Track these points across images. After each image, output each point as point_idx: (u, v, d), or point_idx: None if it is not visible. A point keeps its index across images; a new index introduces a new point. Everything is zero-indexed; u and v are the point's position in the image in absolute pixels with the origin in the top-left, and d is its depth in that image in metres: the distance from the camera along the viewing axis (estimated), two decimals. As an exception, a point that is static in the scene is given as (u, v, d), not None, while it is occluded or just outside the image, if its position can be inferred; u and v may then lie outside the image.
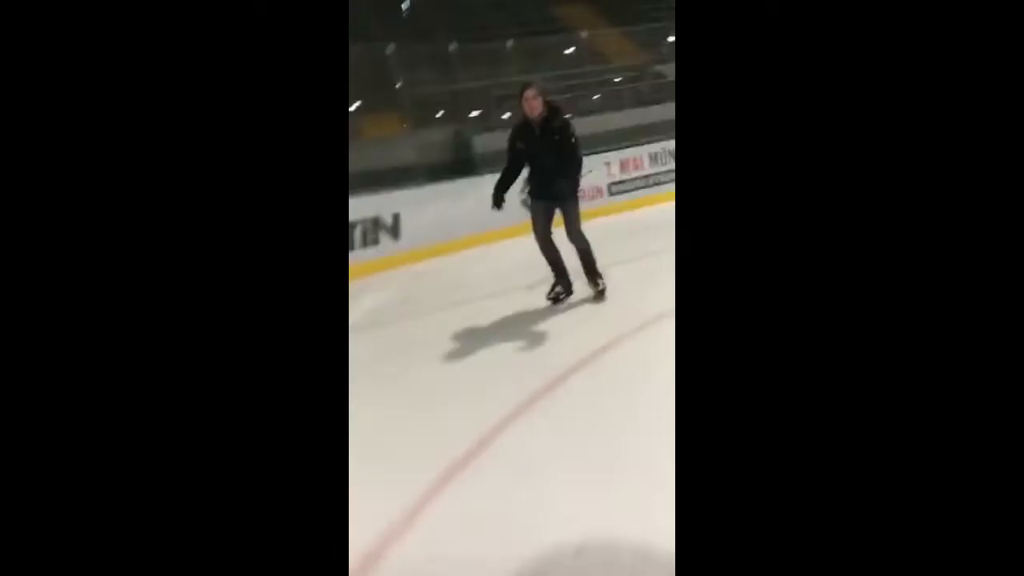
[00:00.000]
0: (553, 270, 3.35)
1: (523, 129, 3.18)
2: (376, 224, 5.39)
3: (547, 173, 3.13)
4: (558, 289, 3.37)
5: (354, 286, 4.71)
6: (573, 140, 3.13)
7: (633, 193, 6.85)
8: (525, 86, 3.18)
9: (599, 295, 3.32)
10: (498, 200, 3.26)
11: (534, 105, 3.07)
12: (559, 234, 3.32)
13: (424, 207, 5.44)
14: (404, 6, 9.88)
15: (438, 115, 8.26)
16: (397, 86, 7.97)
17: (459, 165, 6.62)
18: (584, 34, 9.52)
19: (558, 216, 3.30)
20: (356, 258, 5.13)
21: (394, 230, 5.48)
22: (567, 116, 3.26)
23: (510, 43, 8.52)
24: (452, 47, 8.10)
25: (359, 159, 6.79)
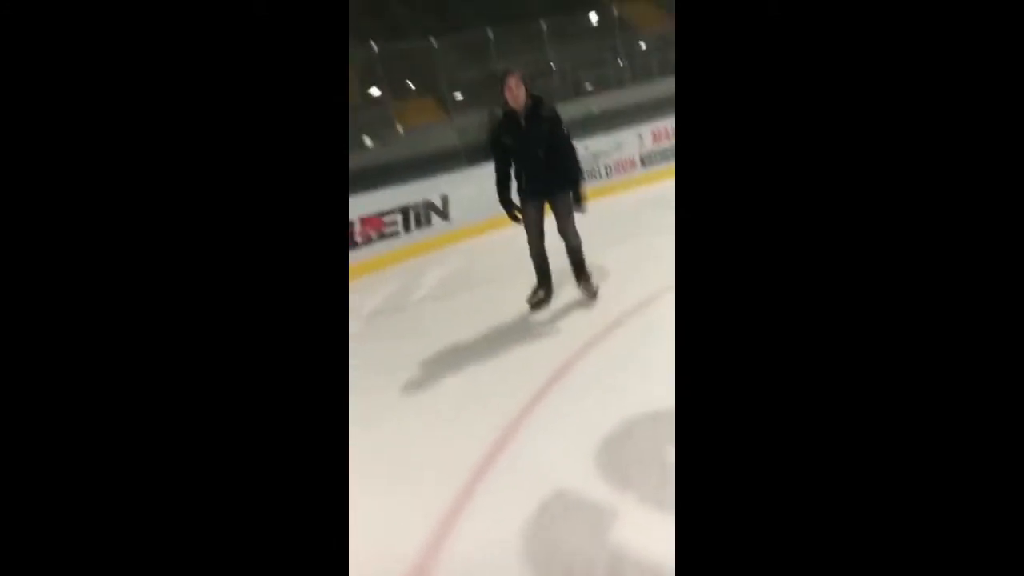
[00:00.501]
0: (539, 274, 3.16)
1: (508, 122, 2.90)
2: (427, 207, 5.93)
3: (538, 168, 2.89)
4: (541, 294, 3.19)
5: (416, 262, 5.30)
6: (565, 131, 2.91)
7: (666, 163, 7.08)
8: (507, 73, 2.88)
9: (592, 296, 3.15)
10: (510, 207, 3.03)
11: (518, 94, 2.81)
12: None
13: (470, 187, 5.91)
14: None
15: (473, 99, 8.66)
16: (435, 75, 8.42)
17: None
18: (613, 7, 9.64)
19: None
20: (411, 239, 5.72)
21: (444, 211, 6.01)
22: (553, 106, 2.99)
23: (543, 24, 8.80)
24: (488, 33, 8.42)
25: (405, 147, 7.35)
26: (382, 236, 5.64)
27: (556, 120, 2.89)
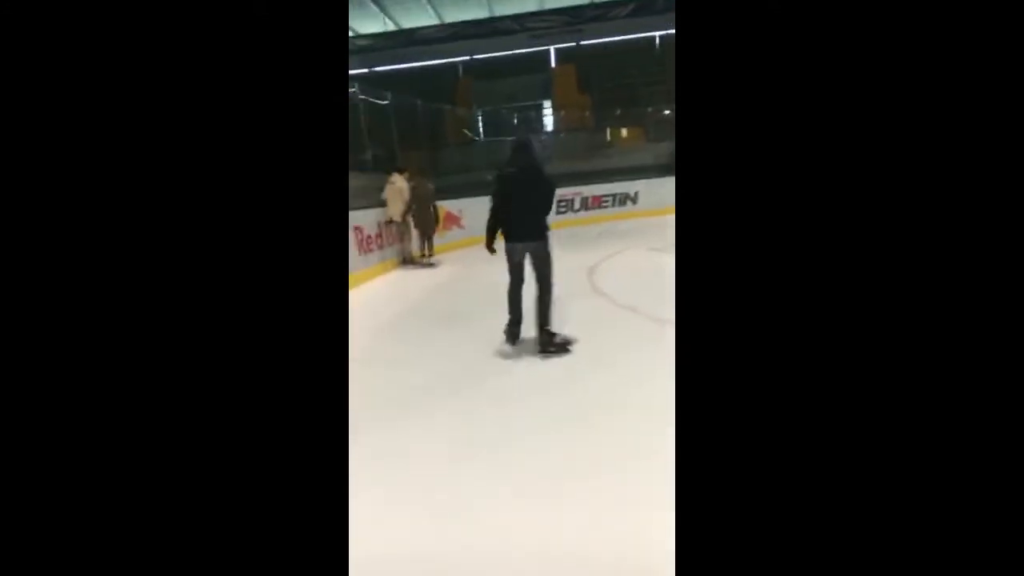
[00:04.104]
0: (513, 313, 3.26)
1: (501, 179, 3.14)
2: (626, 196, 10.28)
3: (520, 220, 3.07)
4: (515, 330, 3.29)
5: (613, 223, 9.70)
6: (548, 186, 3.11)
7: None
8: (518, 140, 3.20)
9: (552, 350, 3.12)
10: (491, 247, 3.17)
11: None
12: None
13: (655, 189, 10.09)
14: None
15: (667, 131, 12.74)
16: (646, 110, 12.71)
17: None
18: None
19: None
20: (615, 211, 10.13)
21: (635, 199, 10.32)
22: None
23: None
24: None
25: (617, 160, 11.74)
26: (600, 207, 10.18)
27: (540, 173, 3.13)
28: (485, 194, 3.72)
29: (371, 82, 13.48)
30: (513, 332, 3.30)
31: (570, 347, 3.16)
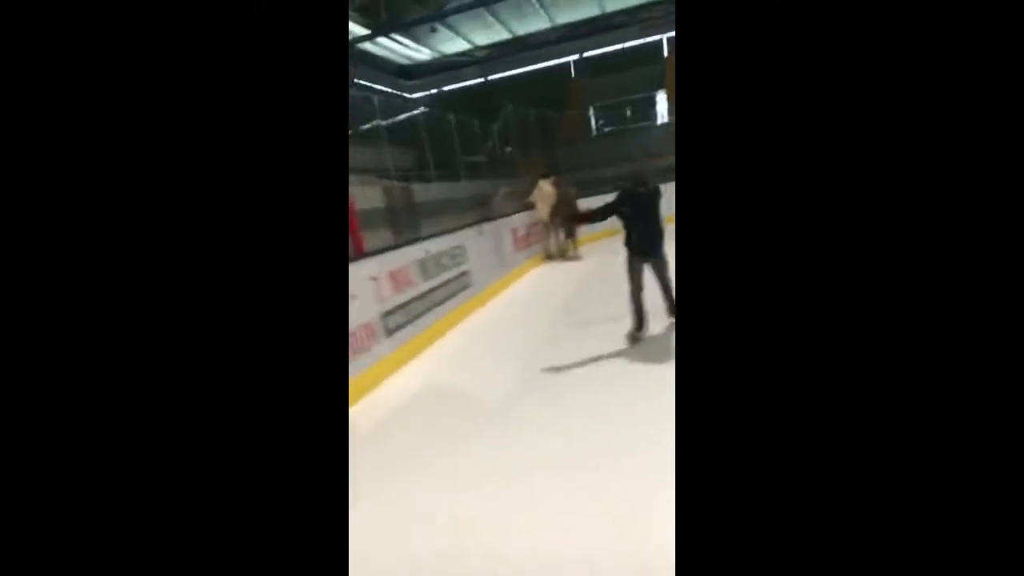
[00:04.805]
0: (635, 312, 3.70)
1: (626, 199, 3.56)
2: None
3: (646, 235, 3.53)
4: (637, 334, 3.72)
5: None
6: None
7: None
8: (635, 170, 3.70)
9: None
10: (578, 225, 4.56)
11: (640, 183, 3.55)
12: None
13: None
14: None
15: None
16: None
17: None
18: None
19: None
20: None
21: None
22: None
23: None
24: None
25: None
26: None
27: (659, 195, 3.58)
28: (602, 190, 3.98)
29: (483, 92, 14.37)
30: (635, 336, 3.72)
31: None
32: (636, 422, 2.51)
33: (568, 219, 7.60)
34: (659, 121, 13.34)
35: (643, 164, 3.89)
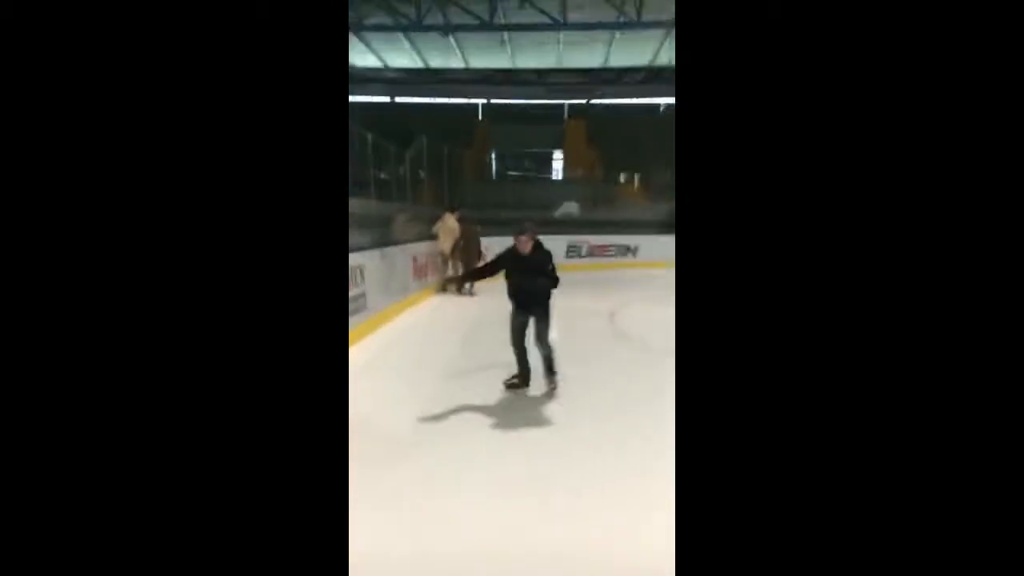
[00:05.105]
0: (519, 363, 3.83)
1: (512, 258, 3.70)
2: (627, 248, 11.41)
3: (529, 294, 3.68)
4: (515, 380, 3.85)
5: (629, 274, 10.79)
6: (552, 268, 3.71)
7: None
8: (520, 231, 3.69)
9: (551, 391, 3.76)
10: (461, 286, 4.40)
11: (527, 247, 3.64)
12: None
13: (652, 244, 11.23)
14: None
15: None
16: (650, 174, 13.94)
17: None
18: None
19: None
20: (616, 261, 11.23)
21: (635, 252, 11.44)
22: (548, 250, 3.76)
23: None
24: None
25: (620, 213, 12.90)
26: (603, 255, 11.26)
27: (548, 261, 3.72)
28: (500, 232, 4.09)
29: (393, 112, 14.35)
30: (512, 383, 3.83)
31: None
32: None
33: (466, 256, 7.73)
34: (555, 177, 14.33)
35: (530, 222, 4.01)
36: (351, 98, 14.03)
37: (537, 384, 3.77)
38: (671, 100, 14.54)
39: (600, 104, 15.03)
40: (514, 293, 3.76)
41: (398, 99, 15.24)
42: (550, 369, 3.79)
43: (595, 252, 11.28)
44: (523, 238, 3.68)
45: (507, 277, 3.76)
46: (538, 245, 3.75)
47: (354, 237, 5.96)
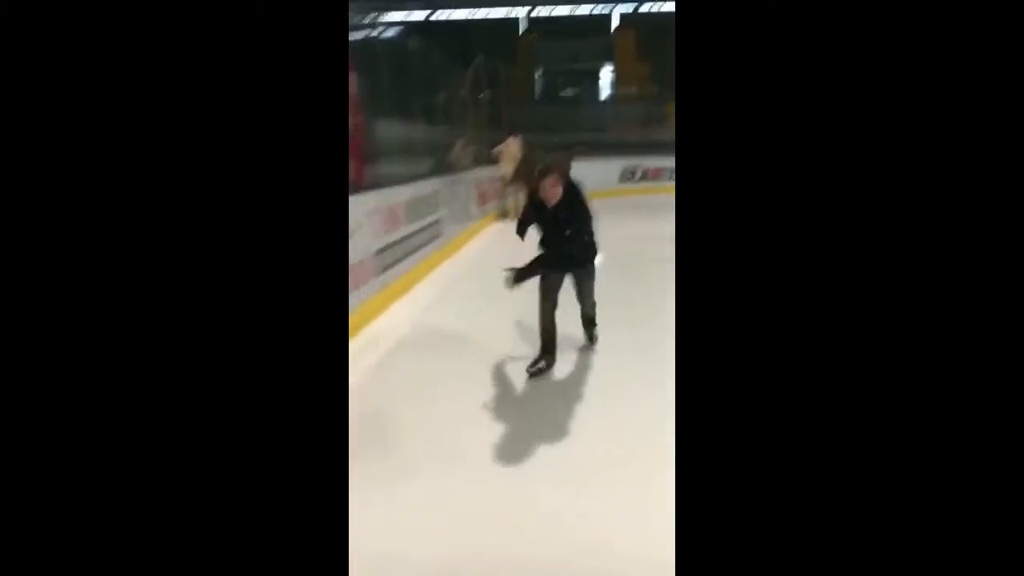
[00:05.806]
0: (543, 341, 2.99)
1: (537, 211, 2.85)
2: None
3: (564, 258, 2.87)
4: (541, 364, 2.98)
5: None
6: (582, 224, 2.84)
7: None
8: (543, 172, 2.76)
9: (591, 344, 3.22)
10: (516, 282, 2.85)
11: (555, 193, 2.72)
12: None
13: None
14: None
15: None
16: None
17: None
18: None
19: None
20: (670, 185, 10.81)
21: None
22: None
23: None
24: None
25: (673, 134, 12.34)
26: (657, 179, 10.85)
27: (582, 206, 2.85)
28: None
29: (429, 28, 13.56)
30: (536, 369, 2.95)
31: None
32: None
33: (529, 180, 7.51)
34: (602, 96, 13.56)
35: (560, 154, 3.34)
36: (389, 15, 13.60)
37: (565, 361, 3.01)
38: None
39: (652, 12, 13.90)
40: (544, 259, 2.86)
41: (434, 17, 14.41)
42: (591, 321, 3.21)
43: (650, 176, 10.85)
44: (548, 181, 2.70)
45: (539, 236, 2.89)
46: (571, 189, 2.77)
47: (424, 164, 5.86)
